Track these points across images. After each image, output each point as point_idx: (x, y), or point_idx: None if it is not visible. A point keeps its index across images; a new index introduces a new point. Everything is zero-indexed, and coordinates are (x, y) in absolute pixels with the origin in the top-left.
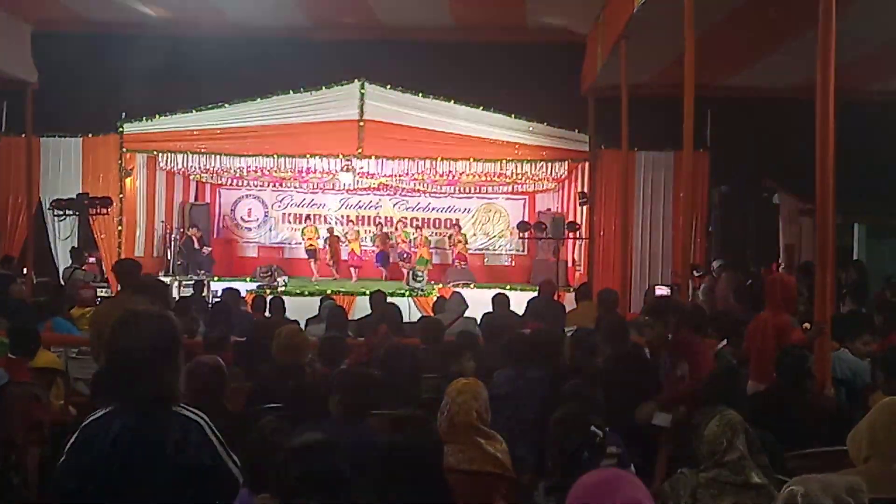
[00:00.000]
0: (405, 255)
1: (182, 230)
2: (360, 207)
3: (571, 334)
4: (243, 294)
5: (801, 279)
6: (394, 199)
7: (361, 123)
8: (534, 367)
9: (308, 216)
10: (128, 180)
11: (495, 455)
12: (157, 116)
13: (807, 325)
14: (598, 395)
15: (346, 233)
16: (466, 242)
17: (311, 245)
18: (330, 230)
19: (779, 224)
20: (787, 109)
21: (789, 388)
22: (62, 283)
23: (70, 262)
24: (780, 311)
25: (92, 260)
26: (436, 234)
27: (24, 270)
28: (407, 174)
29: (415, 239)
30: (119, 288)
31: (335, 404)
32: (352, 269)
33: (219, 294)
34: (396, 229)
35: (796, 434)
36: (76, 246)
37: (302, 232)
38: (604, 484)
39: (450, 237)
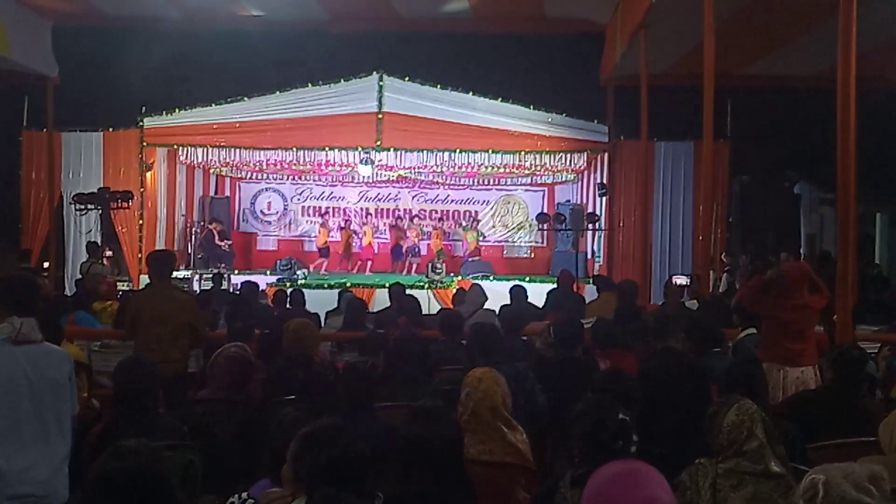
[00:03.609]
0: (415, 251)
1: (202, 223)
2: (379, 200)
3: (590, 325)
4: (263, 287)
5: (818, 268)
6: (413, 191)
7: (380, 116)
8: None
9: (328, 209)
10: (148, 174)
11: (516, 445)
12: (177, 110)
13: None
14: (633, 384)
15: (364, 225)
16: (481, 236)
17: (325, 244)
18: (347, 223)
19: (800, 213)
20: (808, 98)
21: (844, 390)
22: (80, 276)
23: (87, 256)
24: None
25: (109, 253)
26: (454, 226)
27: (46, 265)
28: (426, 166)
29: (430, 231)
30: (151, 278)
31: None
32: (367, 262)
33: (238, 287)
34: (413, 222)
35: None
36: (93, 240)
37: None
38: (624, 477)
39: (464, 228)
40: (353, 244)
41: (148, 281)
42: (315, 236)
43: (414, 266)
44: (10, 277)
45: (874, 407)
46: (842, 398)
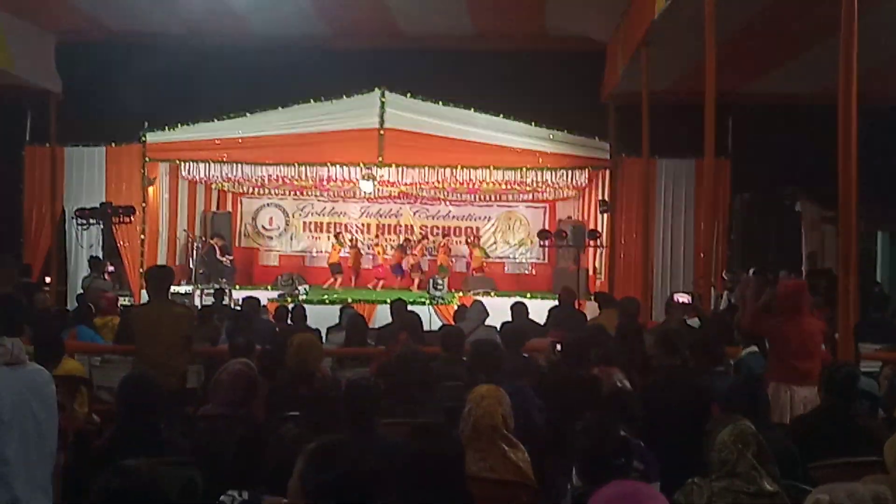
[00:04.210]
0: (417, 267)
1: (204, 239)
2: (380, 216)
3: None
4: (264, 303)
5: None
6: (414, 207)
7: (382, 132)
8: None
9: (329, 224)
10: (150, 189)
11: (517, 463)
12: (180, 126)
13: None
14: (637, 406)
15: (376, 245)
16: (486, 255)
17: (336, 261)
18: (353, 241)
19: (801, 231)
20: (809, 116)
21: (839, 408)
22: (82, 290)
23: (89, 270)
24: (800, 315)
25: (111, 268)
26: (455, 242)
27: (48, 279)
28: (427, 182)
29: (434, 246)
30: (149, 294)
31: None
32: (379, 281)
33: (240, 302)
34: (419, 240)
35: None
36: (95, 255)
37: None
38: (626, 498)
39: (471, 244)
40: (362, 262)
41: (147, 296)
42: (320, 252)
43: (417, 281)
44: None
45: (874, 425)
46: (837, 417)
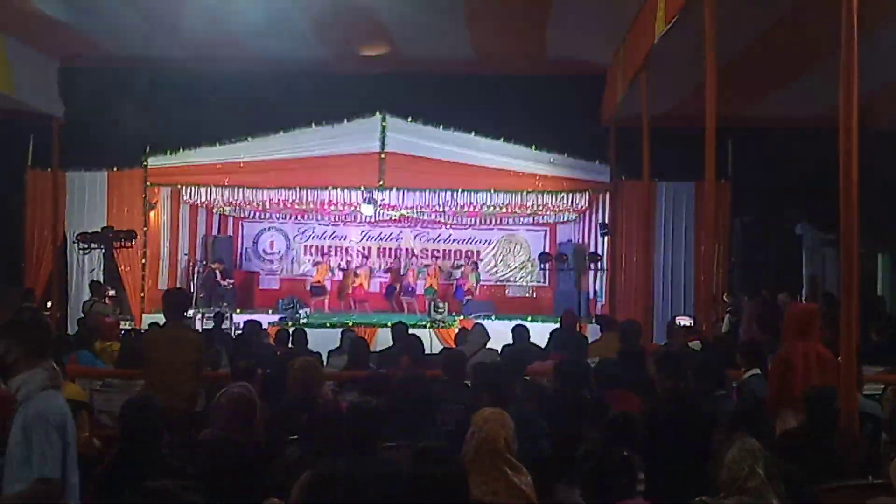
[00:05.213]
0: (410, 290)
1: (205, 263)
2: (381, 239)
3: (595, 365)
4: (265, 326)
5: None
6: (415, 230)
7: (383, 156)
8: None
9: (330, 248)
10: (152, 213)
11: (520, 487)
12: (181, 150)
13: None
14: (640, 424)
15: (360, 267)
16: (478, 279)
17: (318, 282)
18: (347, 263)
19: (802, 254)
20: (810, 139)
21: (819, 429)
22: (83, 315)
23: (90, 295)
24: (808, 340)
25: (112, 293)
26: (448, 264)
27: (49, 304)
28: (428, 206)
29: (426, 268)
30: (166, 317)
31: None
32: (365, 304)
33: (241, 326)
34: (411, 262)
35: (828, 474)
36: (96, 279)
37: (314, 268)
38: None
39: (461, 268)
40: (349, 285)
41: (152, 320)
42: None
43: (406, 305)
44: (32, 321)
45: (859, 447)
46: (817, 439)
